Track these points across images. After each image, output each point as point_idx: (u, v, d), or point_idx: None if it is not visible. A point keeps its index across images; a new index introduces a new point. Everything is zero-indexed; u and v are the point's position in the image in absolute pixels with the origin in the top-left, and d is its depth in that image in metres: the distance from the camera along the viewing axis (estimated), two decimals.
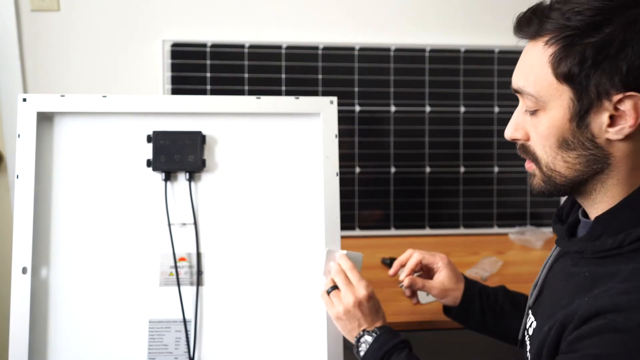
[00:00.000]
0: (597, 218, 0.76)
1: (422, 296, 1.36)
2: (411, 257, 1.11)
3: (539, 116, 0.75)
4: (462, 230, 1.81)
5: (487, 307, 1.07)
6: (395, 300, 1.35)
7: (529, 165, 0.80)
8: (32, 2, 1.64)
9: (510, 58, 1.81)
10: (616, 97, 0.68)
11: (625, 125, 0.69)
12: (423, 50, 1.77)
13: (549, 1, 0.73)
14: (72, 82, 1.71)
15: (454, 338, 1.72)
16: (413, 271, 1.10)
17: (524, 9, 0.76)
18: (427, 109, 1.79)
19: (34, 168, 1.04)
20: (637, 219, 0.72)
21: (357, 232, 1.76)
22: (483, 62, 1.81)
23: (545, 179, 0.77)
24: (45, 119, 1.08)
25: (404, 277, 1.09)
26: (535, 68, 0.73)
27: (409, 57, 1.77)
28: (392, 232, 1.78)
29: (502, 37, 1.82)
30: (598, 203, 0.76)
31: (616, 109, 0.69)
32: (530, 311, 0.89)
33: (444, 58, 1.78)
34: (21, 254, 1.02)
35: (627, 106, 0.68)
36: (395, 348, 0.95)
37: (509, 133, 0.80)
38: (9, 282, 1.02)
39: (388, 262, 1.52)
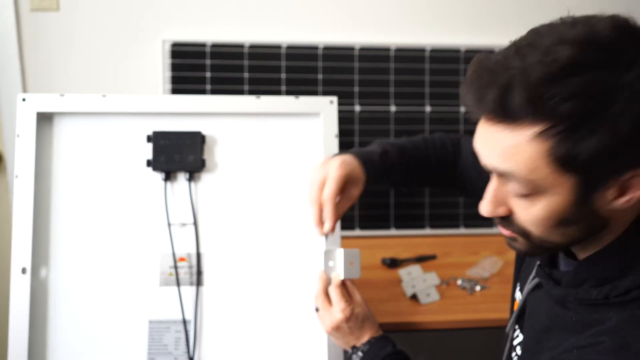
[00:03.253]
0: (580, 263, 0.71)
1: (422, 296, 1.36)
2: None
3: (531, 200, 0.65)
4: (462, 230, 1.81)
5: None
6: (395, 300, 1.35)
7: (509, 233, 0.71)
8: (32, 2, 1.64)
9: None
10: (626, 176, 0.60)
11: (635, 195, 0.61)
12: (423, 50, 1.77)
13: (509, 65, 0.60)
14: (72, 82, 1.71)
15: (454, 338, 1.72)
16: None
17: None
18: (427, 109, 1.79)
19: (34, 168, 1.04)
20: (622, 266, 0.66)
21: (357, 232, 1.76)
22: None
23: (534, 247, 0.70)
24: (44, 119, 1.08)
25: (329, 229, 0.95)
26: (526, 157, 0.61)
27: (409, 57, 1.77)
28: (392, 232, 1.78)
29: (502, 37, 1.81)
30: (588, 247, 0.71)
31: (625, 183, 0.61)
32: (516, 325, 0.87)
33: (444, 58, 1.78)
34: (20, 254, 1.02)
35: (636, 180, 0.61)
36: None
37: (488, 212, 0.69)
38: (8, 283, 1.02)
39: (388, 262, 1.52)
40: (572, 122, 0.56)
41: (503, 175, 0.65)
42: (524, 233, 0.68)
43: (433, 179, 1.09)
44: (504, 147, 0.62)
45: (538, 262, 0.79)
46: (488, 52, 0.64)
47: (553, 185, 0.62)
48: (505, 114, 0.60)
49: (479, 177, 0.94)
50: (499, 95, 0.59)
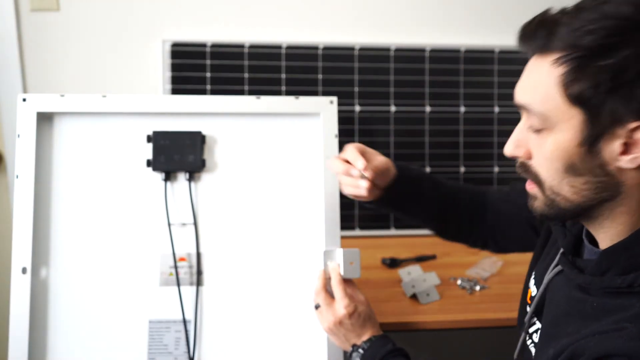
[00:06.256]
0: (604, 252, 0.71)
1: (422, 296, 1.36)
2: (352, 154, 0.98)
3: (544, 136, 0.69)
4: None
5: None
6: (395, 300, 1.35)
7: (531, 187, 0.74)
8: (32, 2, 1.64)
9: (510, 58, 1.80)
10: (631, 125, 0.62)
11: (639, 154, 0.64)
12: (423, 50, 1.77)
13: (556, 11, 0.67)
14: (72, 82, 1.71)
15: (454, 338, 1.72)
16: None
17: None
18: (427, 109, 1.79)
19: (34, 168, 1.04)
20: None
21: (357, 232, 1.76)
22: (483, 62, 1.81)
23: (549, 202, 0.72)
24: (45, 119, 1.08)
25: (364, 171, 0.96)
26: (542, 86, 0.67)
27: (409, 57, 1.77)
28: (392, 232, 1.78)
29: (502, 37, 1.82)
30: (606, 229, 0.71)
31: (630, 136, 0.63)
32: (534, 315, 0.86)
33: (444, 58, 1.78)
34: (21, 254, 1.02)
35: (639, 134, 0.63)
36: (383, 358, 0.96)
37: (509, 150, 0.74)
38: (8, 282, 1.02)
39: (388, 262, 1.52)
40: (585, 53, 0.62)
41: (524, 109, 0.70)
42: (538, 181, 0.72)
43: (458, 215, 1.10)
44: (531, 78, 0.69)
45: (562, 250, 0.79)
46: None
47: (562, 119, 0.66)
48: (536, 40, 0.67)
49: (511, 211, 1.05)
50: (534, 26, 0.68)
